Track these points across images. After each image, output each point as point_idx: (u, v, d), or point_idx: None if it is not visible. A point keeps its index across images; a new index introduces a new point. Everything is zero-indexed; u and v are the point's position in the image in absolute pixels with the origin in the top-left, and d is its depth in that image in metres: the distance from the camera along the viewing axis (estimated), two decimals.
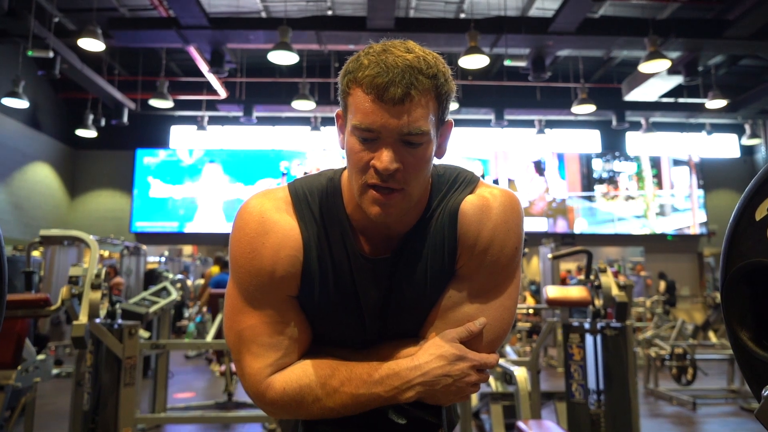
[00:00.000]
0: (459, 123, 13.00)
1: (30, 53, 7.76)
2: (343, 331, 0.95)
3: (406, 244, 0.93)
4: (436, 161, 0.92)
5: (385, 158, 0.81)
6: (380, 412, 0.91)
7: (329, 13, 9.14)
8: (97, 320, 2.74)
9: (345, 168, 0.97)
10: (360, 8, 8.98)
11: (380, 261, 0.92)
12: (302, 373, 0.89)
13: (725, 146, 13.83)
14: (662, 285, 10.60)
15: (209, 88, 10.91)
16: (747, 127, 12.07)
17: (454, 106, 9.51)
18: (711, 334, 7.81)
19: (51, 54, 7.97)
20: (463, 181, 0.96)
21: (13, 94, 8.38)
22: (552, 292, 3.10)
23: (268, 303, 0.90)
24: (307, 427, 0.95)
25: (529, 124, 12.35)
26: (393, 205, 0.85)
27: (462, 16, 9.09)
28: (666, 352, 5.87)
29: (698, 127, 13.09)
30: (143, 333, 4.37)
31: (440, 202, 0.94)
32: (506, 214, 0.92)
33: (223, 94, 10.87)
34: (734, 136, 13.73)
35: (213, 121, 12.37)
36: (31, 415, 3.00)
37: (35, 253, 9.48)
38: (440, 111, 0.86)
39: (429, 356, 0.88)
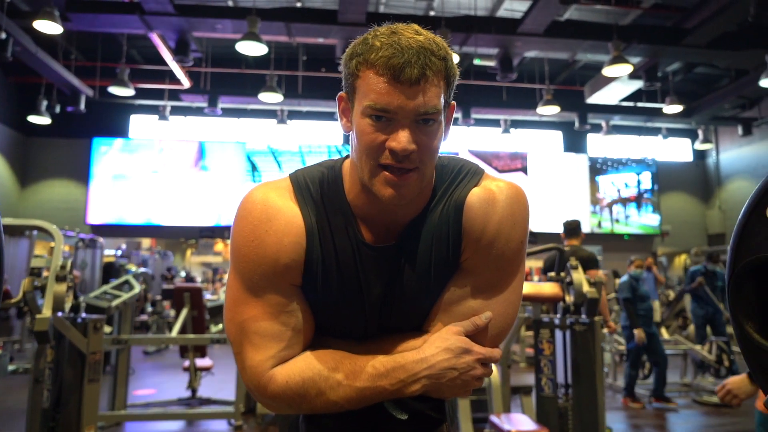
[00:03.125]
0: None
1: None
2: (345, 322, 0.93)
3: (411, 232, 0.92)
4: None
5: (402, 139, 0.81)
6: (382, 407, 0.90)
7: (298, 5, 9.02)
8: (60, 314, 2.62)
9: (346, 157, 0.96)
10: (330, 2, 8.89)
11: (384, 249, 0.91)
12: (305, 366, 0.87)
13: (679, 150, 14.41)
14: (617, 282, 10.96)
15: (172, 77, 10.59)
16: (700, 132, 12.61)
17: None
18: (663, 330, 8.13)
19: (2, 35, 7.56)
20: (468, 173, 0.95)
21: None
22: (525, 288, 3.16)
23: (271, 292, 0.87)
24: (310, 422, 0.93)
25: (495, 123, 12.54)
26: (407, 185, 0.84)
27: (432, 13, 9.12)
28: (623, 348, 6.07)
29: (655, 131, 13.59)
30: (105, 328, 4.22)
31: (445, 192, 0.93)
32: (512, 207, 0.91)
33: (186, 83, 10.58)
34: (688, 141, 14.32)
35: (176, 111, 12.03)
36: None
37: None
38: (448, 92, 0.87)
39: (435, 349, 0.87)
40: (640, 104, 11.94)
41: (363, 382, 0.86)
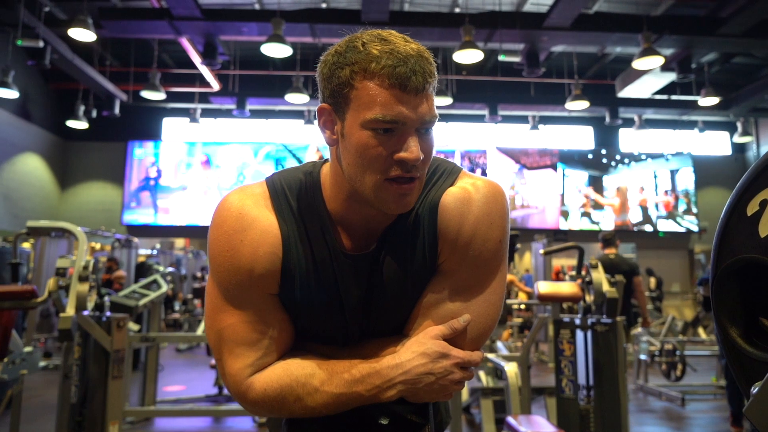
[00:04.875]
0: (453, 118, 13.08)
1: (19, 43, 7.66)
2: (326, 328, 0.93)
3: (386, 239, 0.90)
4: None
5: (415, 149, 0.80)
6: (365, 411, 0.89)
7: (323, 5, 9.08)
8: (85, 312, 2.71)
9: (324, 161, 0.95)
10: (354, 1, 8.92)
11: (360, 257, 0.90)
12: (283, 373, 0.87)
13: (717, 144, 13.91)
14: (653, 281, 10.67)
15: (202, 81, 10.81)
16: (739, 125, 12.14)
17: (448, 101, 9.51)
18: (701, 331, 7.87)
19: (41, 44, 7.87)
20: (443, 173, 0.93)
21: (3, 84, 8.27)
22: (543, 287, 3.10)
23: (248, 302, 0.87)
24: (292, 426, 0.94)
25: (523, 119, 12.36)
26: (412, 193, 0.84)
27: (457, 10, 9.05)
28: (656, 349, 5.91)
29: (691, 125, 13.15)
30: (133, 326, 4.35)
31: (420, 195, 0.91)
32: (489, 206, 0.89)
33: (216, 86, 10.78)
34: (726, 134, 13.81)
35: (206, 113, 12.28)
36: (18, 407, 2.97)
37: (26, 245, 9.39)
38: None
39: (411, 354, 0.86)
40: (674, 97, 11.57)
41: (339, 388, 0.86)
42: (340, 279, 0.90)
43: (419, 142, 0.81)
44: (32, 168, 11.75)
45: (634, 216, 13.06)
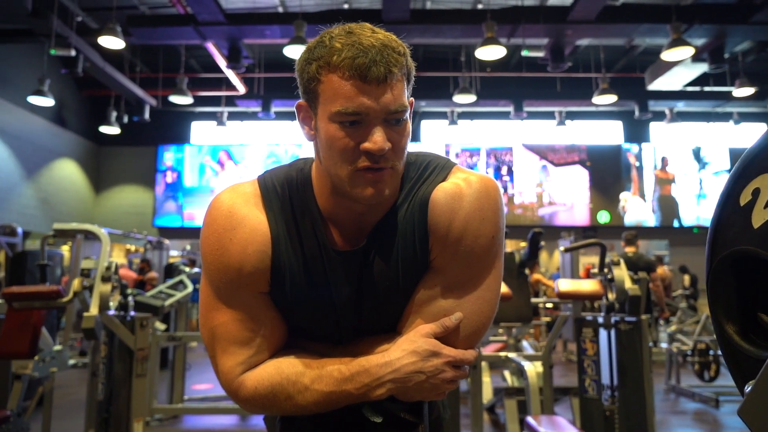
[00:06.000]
0: (477, 115, 12.97)
1: (53, 52, 7.91)
2: (317, 326, 0.93)
3: (376, 235, 0.90)
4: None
5: (378, 139, 0.79)
6: (358, 409, 0.89)
7: (345, 6, 9.12)
8: (111, 312, 2.78)
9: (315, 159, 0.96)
10: (376, 1, 8.93)
11: (350, 254, 0.90)
12: (274, 371, 0.87)
13: (754, 136, 13.41)
14: (686, 279, 10.36)
15: (228, 84, 11.00)
16: None
17: (471, 98, 9.42)
18: None
19: (73, 52, 8.11)
20: (435, 168, 0.92)
21: (39, 93, 8.58)
22: (563, 285, 3.05)
23: (239, 300, 0.88)
24: (285, 423, 0.94)
25: (549, 115, 12.17)
26: (384, 181, 0.83)
27: (479, 6, 8.97)
28: (688, 348, 5.73)
29: (725, 117, 12.73)
30: (159, 325, 4.44)
31: (411, 190, 0.91)
32: (481, 201, 0.87)
33: (242, 89, 10.95)
34: (763, 125, 13.30)
35: (232, 116, 12.48)
36: (50, 404, 3.07)
37: (64, 248, 9.71)
38: (408, 89, 0.86)
39: (401, 352, 0.85)
40: (707, 88, 11.21)
41: (329, 387, 0.85)
42: (331, 276, 0.90)
43: (387, 131, 0.81)
44: (68, 173, 12.15)
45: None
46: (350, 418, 0.90)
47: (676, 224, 12.69)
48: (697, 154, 12.90)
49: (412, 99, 0.89)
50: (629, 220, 12.62)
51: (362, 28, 0.83)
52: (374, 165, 0.81)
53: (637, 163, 12.82)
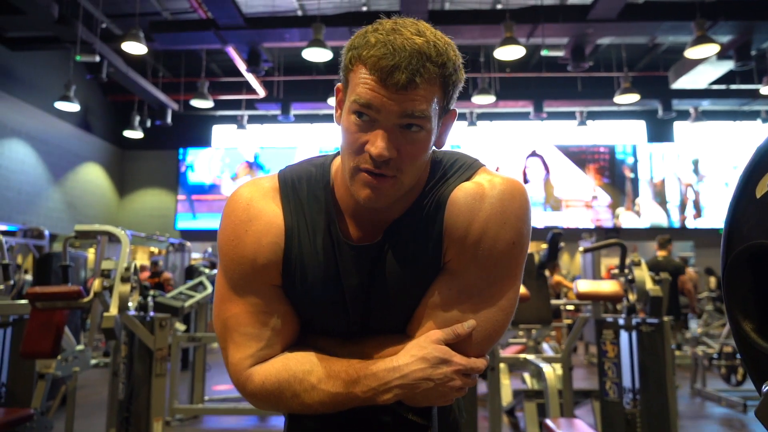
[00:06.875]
0: (496, 116, 12.87)
1: (78, 58, 8.10)
2: (328, 321, 0.92)
3: (394, 230, 0.89)
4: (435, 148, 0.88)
5: (380, 143, 0.77)
6: (365, 408, 0.88)
7: (364, 9, 9.15)
8: (131, 312, 2.83)
9: (337, 154, 0.95)
10: (395, 2, 8.93)
11: (363, 248, 0.89)
12: (282, 368, 0.87)
13: None
14: (713, 281, 10.11)
15: (248, 88, 11.12)
16: None
17: (490, 99, 9.36)
18: None
19: (98, 58, 8.30)
20: (461, 167, 0.90)
21: (65, 98, 8.78)
22: (582, 286, 2.99)
23: (252, 292, 0.88)
24: (292, 420, 0.94)
25: (570, 115, 12.02)
26: (383, 190, 0.81)
27: (498, 6, 8.91)
28: (714, 351, 5.59)
29: (753, 115, 12.42)
30: (180, 326, 4.50)
31: (432, 188, 0.89)
32: (504, 204, 0.84)
33: (261, 93, 11.06)
34: None
35: (252, 119, 12.61)
36: (72, 403, 3.13)
37: (91, 250, 9.90)
38: (445, 100, 0.82)
39: (410, 358, 0.83)
40: (733, 86, 10.95)
41: (336, 388, 0.84)
42: (342, 269, 0.89)
43: (399, 138, 0.79)
44: (93, 177, 12.41)
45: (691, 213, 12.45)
46: (357, 417, 0.89)
47: (700, 226, 12.41)
48: (722, 153, 12.61)
49: (454, 110, 0.86)
50: (644, 224, 12.41)
51: (409, 26, 0.80)
52: (374, 169, 0.79)
53: (648, 167, 12.58)
